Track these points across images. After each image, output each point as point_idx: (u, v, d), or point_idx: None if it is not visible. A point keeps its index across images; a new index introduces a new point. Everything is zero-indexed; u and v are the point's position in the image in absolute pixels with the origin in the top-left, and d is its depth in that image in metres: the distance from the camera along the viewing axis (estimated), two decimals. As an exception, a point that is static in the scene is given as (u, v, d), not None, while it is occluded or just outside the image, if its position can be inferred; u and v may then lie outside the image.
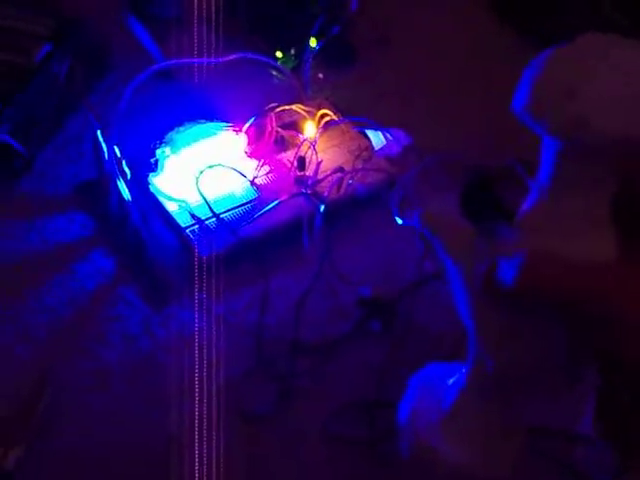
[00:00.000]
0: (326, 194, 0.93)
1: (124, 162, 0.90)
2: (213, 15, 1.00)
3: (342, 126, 1.02)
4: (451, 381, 0.72)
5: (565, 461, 0.77)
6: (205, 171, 0.93)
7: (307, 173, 0.96)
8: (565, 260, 0.54)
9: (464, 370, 0.69)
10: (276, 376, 0.83)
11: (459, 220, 0.63)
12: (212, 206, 0.92)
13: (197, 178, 0.93)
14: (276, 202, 0.92)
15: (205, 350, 0.81)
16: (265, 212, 0.92)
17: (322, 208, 0.91)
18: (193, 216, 0.91)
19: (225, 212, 0.92)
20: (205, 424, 0.77)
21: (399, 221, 0.84)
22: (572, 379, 0.62)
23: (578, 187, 0.55)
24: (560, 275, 0.53)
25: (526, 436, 0.71)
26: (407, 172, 0.96)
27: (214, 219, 0.91)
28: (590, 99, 0.53)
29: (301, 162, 0.96)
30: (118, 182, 0.90)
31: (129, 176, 0.90)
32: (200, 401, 0.78)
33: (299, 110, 1.02)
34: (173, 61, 1.03)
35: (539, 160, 0.57)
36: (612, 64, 0.53)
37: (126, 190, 0.90)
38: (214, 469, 0.74)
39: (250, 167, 0.97)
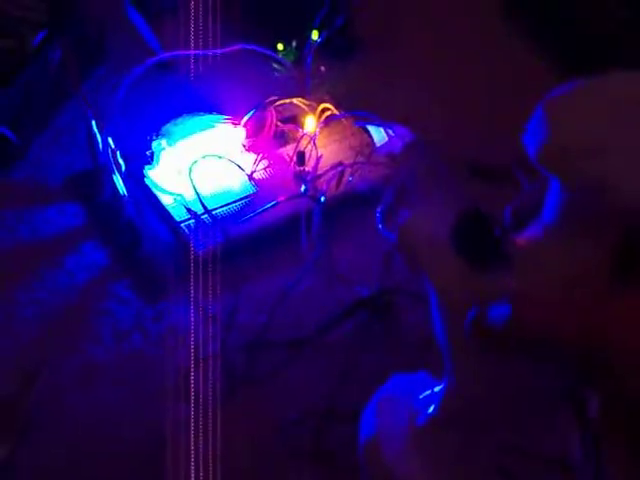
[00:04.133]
0: (324, 190, 0.91)
1: (119, 154, 0.88)
2: (212, 5, 0.96)
3: (343, 121, 1.00)
4: (422, 396, 0.67)
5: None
6: (200, 161, 0.91)
7: (306, 168, 0.94)
8: (557, 304, 0.49)
9: (438, 389, 0.64)
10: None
11: (448, 247, 0.55)
12: (208, 200, 0.90)
13: (190, 168, 0.91)
14: (273, 203, 0.90)
15: (200, 349, 0.79)
16: (262, 211, 0.90)
17: (321, 203, 0.88)
18: (189, 210, 0.89)
19: (222, 207, 0.90)
20: (201, 425, 0.74)
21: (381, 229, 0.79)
22: (553, 414, 0.59)
23: (582, 234, 0.48)
24: (552, 319, 0.49)
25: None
26: (400, 171, 0.93)
27: (210, 214, 0.89)
28: (618, 161, 0.44)
29: (300, 157, 0.94)
30: (113, 174, 0.88)
31: (124, 168, 0.88)
32: (196, 402, 0.75)
33: (299, 104, 1.00)
34: (171, 52, 1.00)
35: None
36: None
37: (121, 182, 0.88)
38: (211, 470, 0.72)
39: (248, 161, 0.95)
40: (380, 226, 0.78)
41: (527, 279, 0.51)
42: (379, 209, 0.81)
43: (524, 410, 0.60)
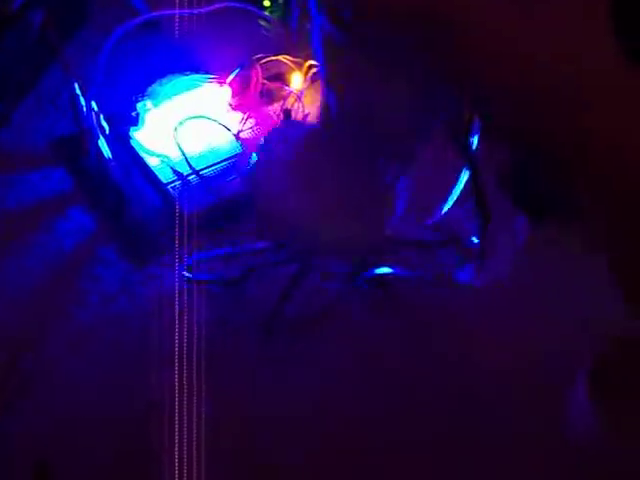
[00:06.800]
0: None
1: (102, 116, 0.86)
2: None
3: (330, 77, 0.98)
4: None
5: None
6: (185, 123, 0.90)
7: (293, 126, 0.93)
8: None
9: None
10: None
11: None
12: (195, 161, 0.89)
13: (175, 129, 0.90)
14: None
15: (186, 312, 0.78)
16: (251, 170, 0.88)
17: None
18: (176, 172, 0.88)
19: (208, 167, 0.89)
20: (185, 390, 0.74)
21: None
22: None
23: None
24: None
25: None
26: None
27: (197, 175, 0.88)
28: None
29: (287, 115, 0.93)
30: (97, 137, 0.87)
31: (108, 131, 0.87)
32: (180, 366, 0.75)
33: (286, 61, 0.98)
34: (155, 12, 0.98)
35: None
36: None
37: (106, 145, 0.87)
38: (194, 435, 0.72)
39: (234, 120, 0.94)
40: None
41: None
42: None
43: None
